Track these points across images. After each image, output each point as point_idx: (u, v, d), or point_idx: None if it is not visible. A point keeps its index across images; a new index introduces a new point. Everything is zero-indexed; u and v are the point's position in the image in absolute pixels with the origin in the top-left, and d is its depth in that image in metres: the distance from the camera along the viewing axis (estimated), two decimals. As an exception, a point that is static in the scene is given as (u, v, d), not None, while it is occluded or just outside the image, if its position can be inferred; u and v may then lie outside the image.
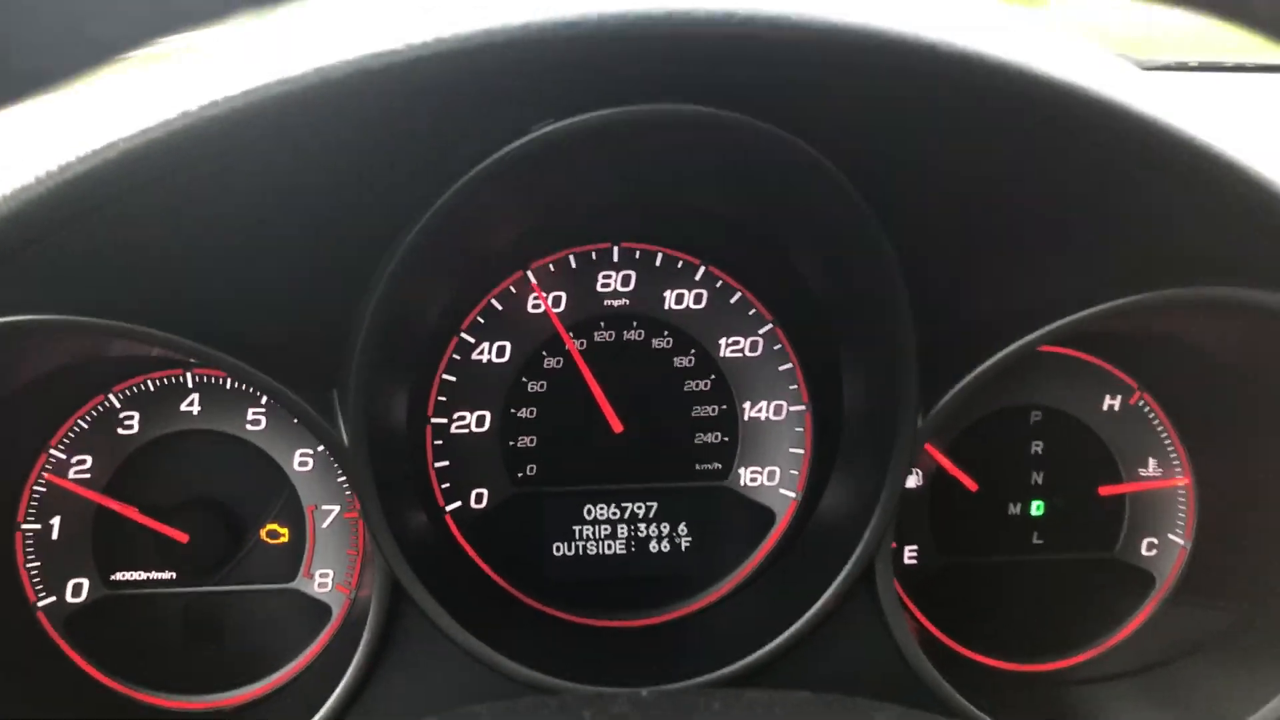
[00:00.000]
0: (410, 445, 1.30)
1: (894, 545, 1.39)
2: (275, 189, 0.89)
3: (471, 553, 1.35)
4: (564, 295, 1.34)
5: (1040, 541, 1.41)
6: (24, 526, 1.30)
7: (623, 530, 1.38)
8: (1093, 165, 0.91)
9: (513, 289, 1.33)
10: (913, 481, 1.40)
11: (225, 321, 1.02)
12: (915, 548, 1.41)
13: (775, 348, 1.37)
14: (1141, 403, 1.41)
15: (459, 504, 1.35)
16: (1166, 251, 1.01)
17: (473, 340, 1.33)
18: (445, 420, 1.33)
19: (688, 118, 0.92)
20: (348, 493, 1.32)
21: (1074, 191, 0.95)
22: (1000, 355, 1.07)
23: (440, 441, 1.34)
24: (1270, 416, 1.26)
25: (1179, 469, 1.41)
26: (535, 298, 1.33)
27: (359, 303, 1.02)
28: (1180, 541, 1.41)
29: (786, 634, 1.15)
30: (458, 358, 1.33)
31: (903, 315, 1.06)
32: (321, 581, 1.36)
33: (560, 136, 0.92)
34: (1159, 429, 1.41)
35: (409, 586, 1.12)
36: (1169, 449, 1.41)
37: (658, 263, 1.35)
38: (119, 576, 1.33)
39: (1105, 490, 1.40)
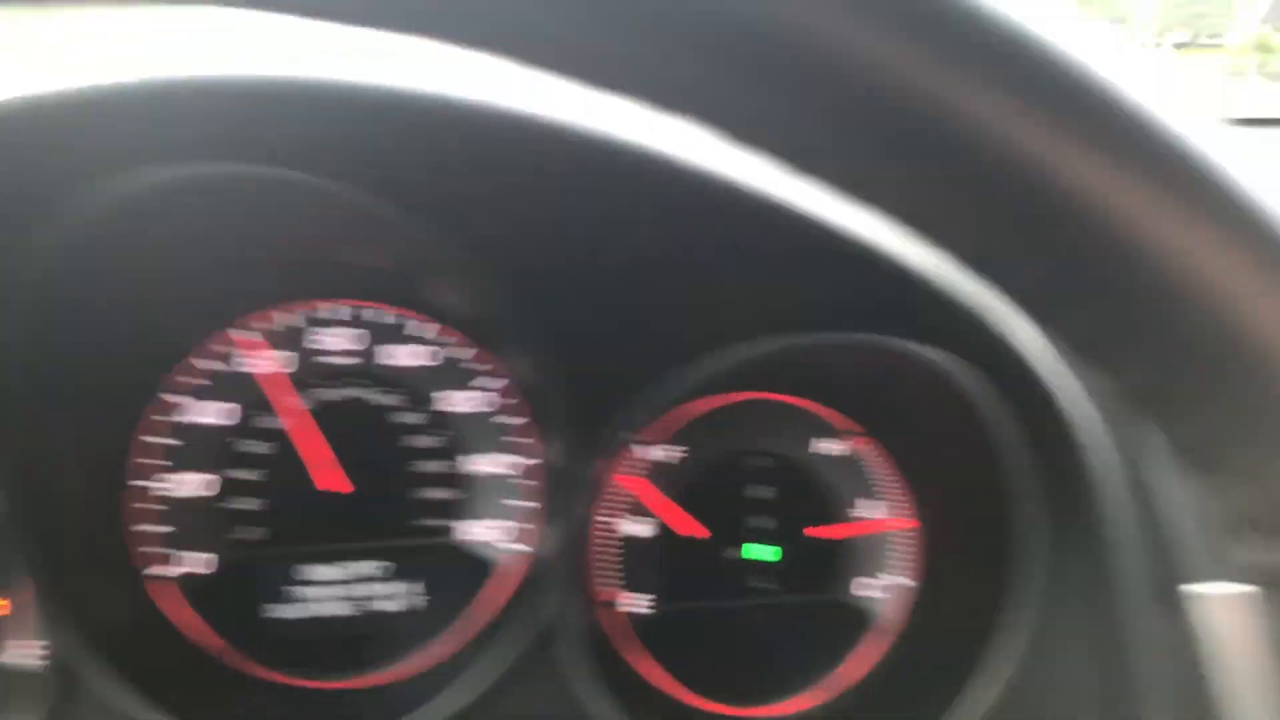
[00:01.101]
0: (101, 510, 1.25)
1: (619, 595, 1.39)
2: None
3: (178, 623, 1.30)
4: (273, 354, 1.31)
5: (771, 586, 1.42)
6: None
7: (348, 590, 1.35)
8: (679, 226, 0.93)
9: (217, 347, 1.30)
10: (646, 530, 1.40)
11: None
12: (651, 596, 1.41)
13: (500, 402, 1.36)
14: (866, 447, 1.43)
15: (163, 570, 1.30)
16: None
17: (174, 400, 1.29)
18: (144, 483, 1.29)
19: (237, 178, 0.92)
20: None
21: (676, 251, 0.96)
22: (651, 404, 1.08)
23: (141, 505, 1.29)
24: (969, 455, 1.29)
25: (907, 511, 1.43)
26: (241, 356, 1.30)
27: None
28: (909, 584, 1.43)
29: (471, 692, 1.13)
30: (160, 419, 1.29)
31: (546, 374, 1.06)
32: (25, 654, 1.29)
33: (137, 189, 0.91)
34: (884, 472, 1.43)
35: (68, 655, 1.07)
36: (896, 491, 1.43)
37: (368, 317, 1.33)
38: None
39: (825, 533, 1.42)
